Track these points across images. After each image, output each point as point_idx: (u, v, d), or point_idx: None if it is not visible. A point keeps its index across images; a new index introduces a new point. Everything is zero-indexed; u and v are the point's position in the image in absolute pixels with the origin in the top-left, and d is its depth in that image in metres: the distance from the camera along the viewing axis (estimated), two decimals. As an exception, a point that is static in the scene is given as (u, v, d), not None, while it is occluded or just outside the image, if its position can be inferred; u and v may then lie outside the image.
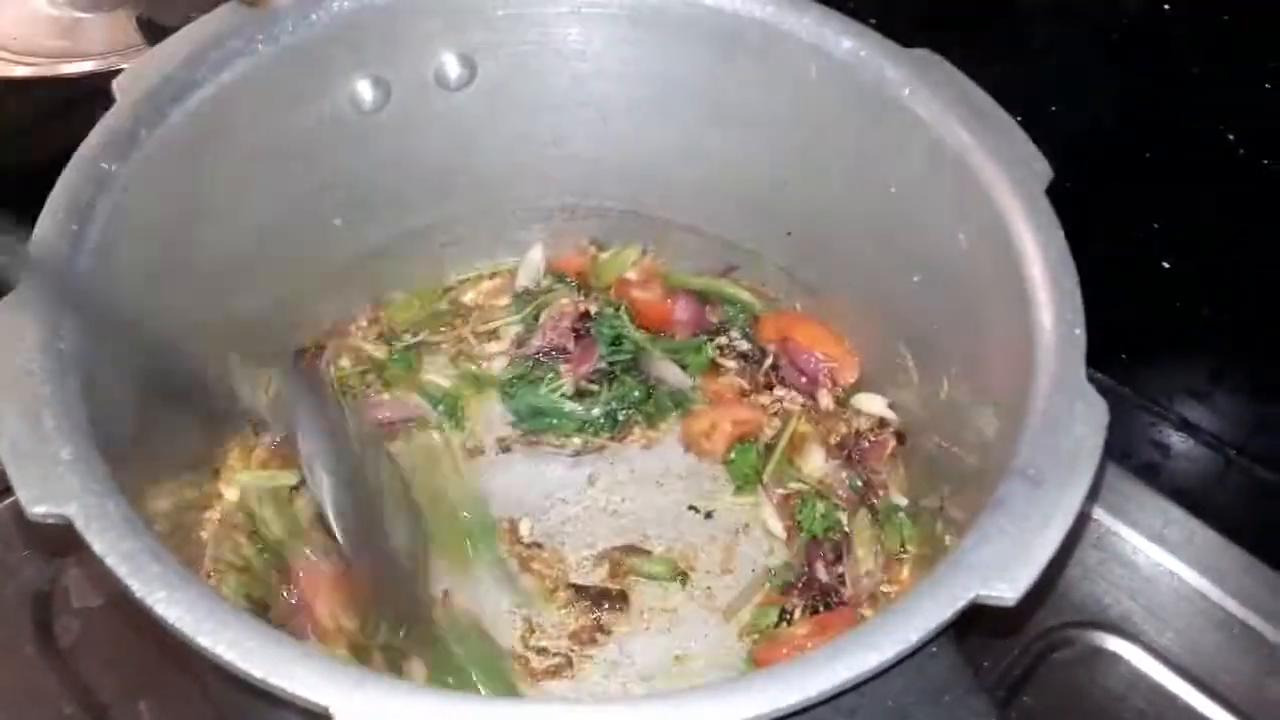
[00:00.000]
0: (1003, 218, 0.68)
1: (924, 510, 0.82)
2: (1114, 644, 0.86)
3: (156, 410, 0.70)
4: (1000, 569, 0.54)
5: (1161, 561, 0.89)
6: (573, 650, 0.80)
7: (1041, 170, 0.69)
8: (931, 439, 0.81)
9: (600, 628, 0.81)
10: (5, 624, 0.83)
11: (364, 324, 0.94)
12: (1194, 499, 0.91)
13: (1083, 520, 0.72)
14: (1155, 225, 1.02)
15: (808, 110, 0.80)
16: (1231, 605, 0.87)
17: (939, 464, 0.78)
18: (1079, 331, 0.62)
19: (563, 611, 0.82)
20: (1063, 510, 0.56)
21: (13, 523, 0.85)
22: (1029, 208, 0.68)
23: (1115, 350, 0.62)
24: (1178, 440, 0.97)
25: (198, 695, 0.77)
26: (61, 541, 0.83)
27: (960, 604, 0.53)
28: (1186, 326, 1.00)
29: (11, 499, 0.57)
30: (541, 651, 0.79)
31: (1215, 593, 0.88)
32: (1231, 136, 1.01)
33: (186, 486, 0.79)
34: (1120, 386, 0.92)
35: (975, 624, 0.56)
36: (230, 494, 0.83)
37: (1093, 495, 0.58)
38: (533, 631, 0.81)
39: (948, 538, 0.74)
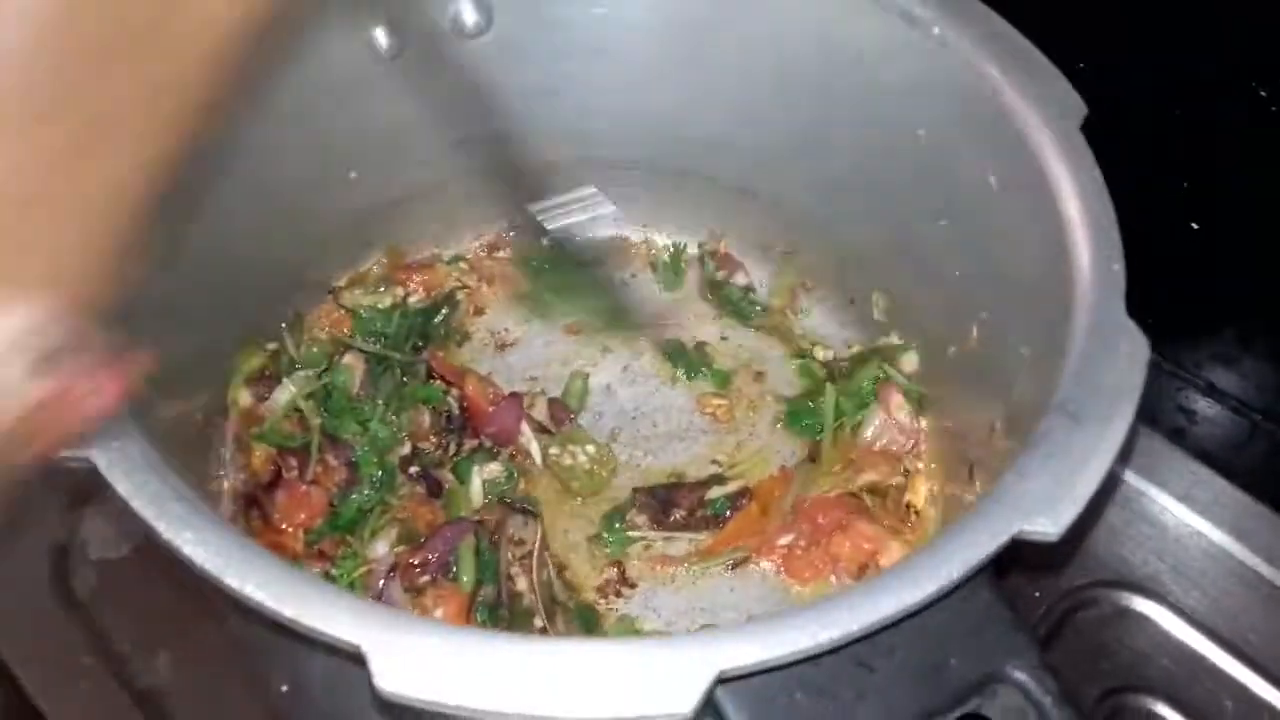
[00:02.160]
0: (1036, 155, 0.67)
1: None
2: (1140, 604, 0.85)
3: (172, 352, 0.69)
4: (1042, 504, 0.53)
5: (1189, 521, 0.88)
6: (598, 603, 0.79)
7: (1075, 106, 0.68)
8: (962, 385, 0.79)
9: (625, 580, 0.80)
10: (23, 575, 0.83)
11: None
12: (1219, 464, 0.90)
13: (1117, 470, 0.71)
14: (1184, 184, 1.01)
15: (832, 51, 0.79)
16: (1260, 565, 0.86)
17: (970, 411, 0.77)
18: (1117, 267, 0.61)
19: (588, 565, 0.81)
20: (1105, 445, 0.55)
21: (31, 476, 0.84)
22: (1063, 144, 0.66)
23: (1141, 314, 0.61)
24: (1204, 405, 0.96)
25: (217, 645, 0.77)
26: (81, 489, 0.84)
27: (1002, 539, 0.52)
28: (1214, 290, 0.99)
29: (30, 445, 0.56)
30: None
31: (1243, 552, 0.87)
32: (1264, 93, 1.00)
33: (204, 426, 0.79)
34: (1147, 351, 0.92)
35: (1014, 564, 0.55)
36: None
37: (1127, 450, 0.57)
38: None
39: (979, 484, 0.73)
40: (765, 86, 0.84)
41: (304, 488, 0.79)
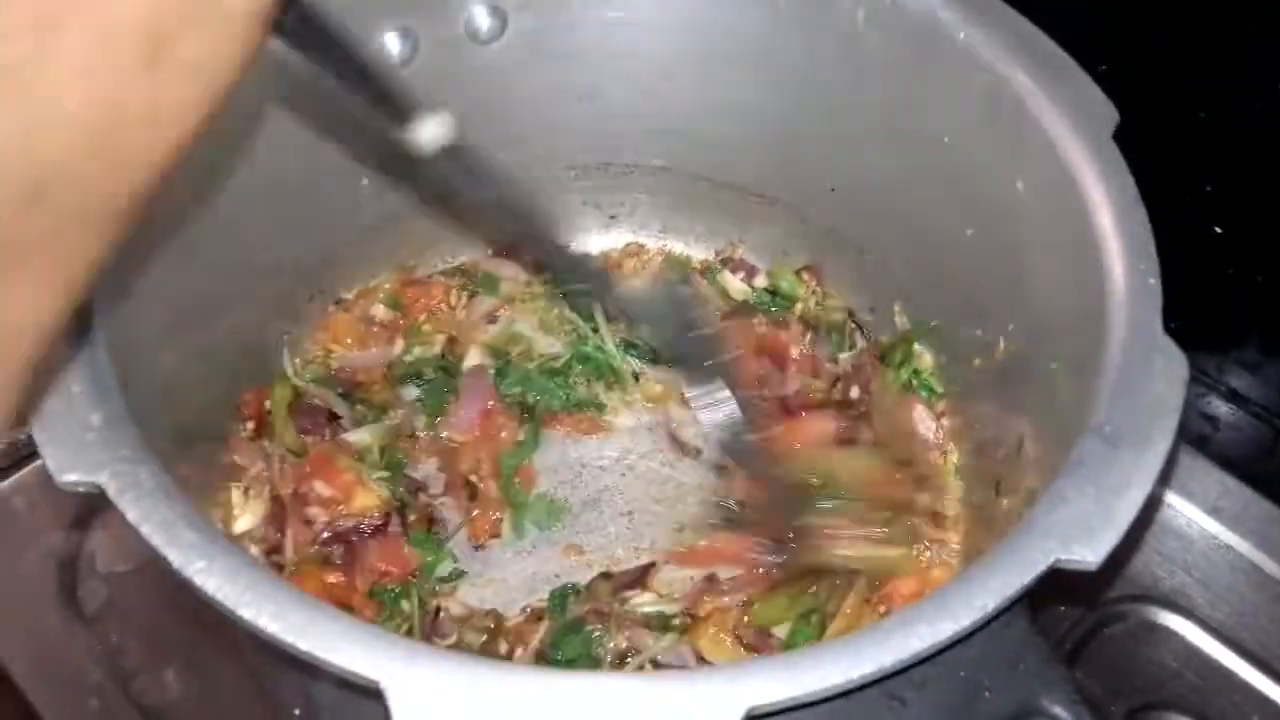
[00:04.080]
0: (1066, 164, 0.65)
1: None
2: (1167, 618, 0.84)
3: (187, 371, 0.68)
4: (1081, 532, 0.51)
5: (1217, 534, 0.87)
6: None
7: (1106, 113, 0.66)
8: (988, 399, 0.78)
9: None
10: (31, 590, 0.81)
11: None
12: (1244, 472, 0.89)
13: (1161, 483, 0.69)
14: (1207, 189, 0.99)
15: (854, 57, 0.77)
16: (1289, 580, 0.85)
17: (996, 425, 0.76)
18: (1154, 281, 0.60)
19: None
20: (1144, 469, 0.53)
21: (38, 488, 0.83)
22: (1095, 152, 0.65)
23: (1163, 319, 0.59)
24: (1227, 412, 0.95)
25: (226, 662, 0.76)
26: (85, 510, 0.83)
27: (1040, 569, 0.50)
28: (1237, 295, 0.97)
29: (36, 463, 0.55)
30: None
31: (1271, 565, 0.86)
32: (1289, 97, 0.98)
33: (216, 450, 0.77)
34: (1169, 357, 0.90)
35: (1049, 593, 0.54)
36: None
37: (1166, 470, 0.55)
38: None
39: (1005, 501, 0.71)
40: (786, 92, 0.82)
41: (404, 546, 0.78)
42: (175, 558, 0.51)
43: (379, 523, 0.77)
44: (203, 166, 0.71)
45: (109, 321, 0.60)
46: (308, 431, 0.81)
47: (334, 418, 0.83)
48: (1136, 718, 0.80)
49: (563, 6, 0.82)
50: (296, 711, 0.65)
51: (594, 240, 0.97)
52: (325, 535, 0.77)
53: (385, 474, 0.80)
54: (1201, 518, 0.88)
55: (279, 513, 0.77)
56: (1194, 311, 0.91)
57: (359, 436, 0.82)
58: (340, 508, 0.77)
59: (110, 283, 0.61)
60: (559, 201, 0.94)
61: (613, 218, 0.96)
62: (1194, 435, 0.93)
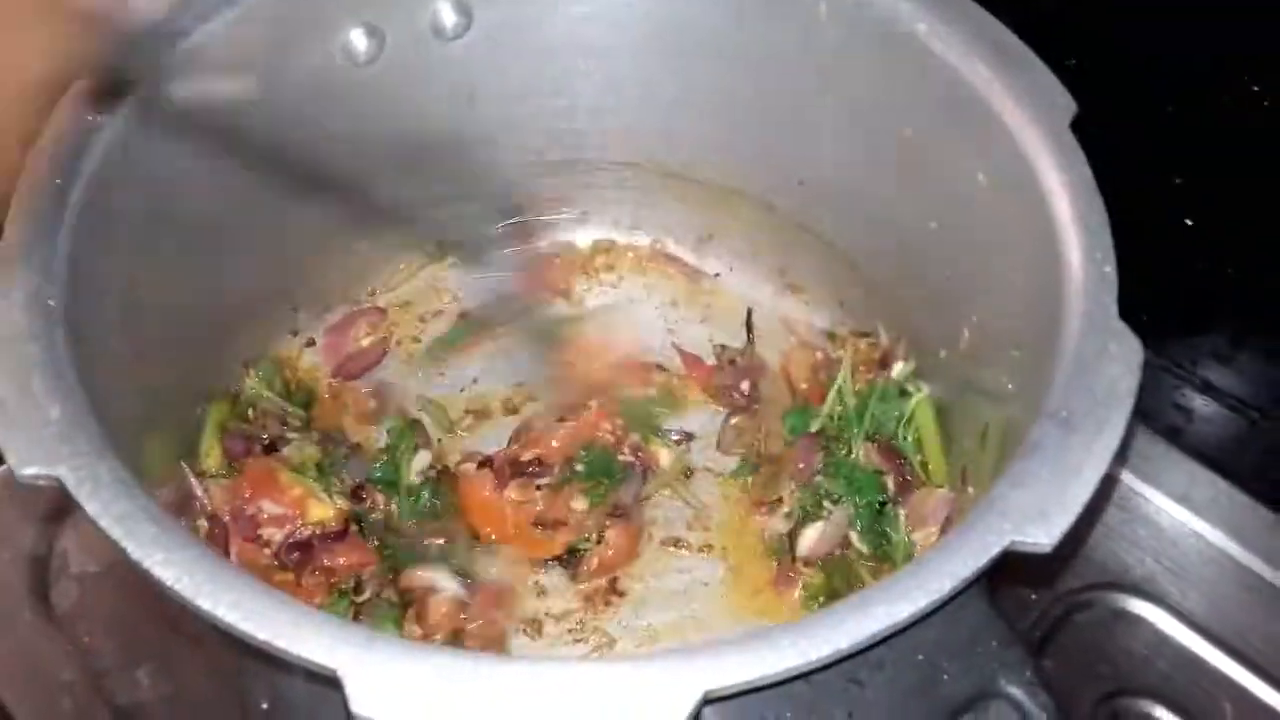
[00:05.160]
0: (1025, 155, 0.66)
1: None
2: (1137, 606, 0.84)
3: (150, 367, 0.68)
4: (1035, 514, 0.52)
5: (1186, 522, 0.87)
6: (585, 615, 0.78)
7: (1065, 104, 0.67)
8: (954, 391, 0.78)
9: (614, 590, 0.79)
10: (2, 590, 0.81)
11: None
12: (1218, 462, 0.89)
13: (1114, 471, 0.70)
14: (1177, 181, 1.00)
15: (818, 50, 0.78)
16: (1259, 566, 0.86)
17: (962, 414, 0.76)
18: (1109, 269, 0.60)
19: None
20: (1098, 453, 0.54)
21: (8, 489, 0.83)
22: (1053, 143, 0.65)
23: (1136, 311, 0.60)
24: (1200, 403, 0.95)
25: (197, 661, 0.76)
26: (56, 510, 0.83)
27: (994, 551, 0.50)
28: (1209, 287, 0.98)
29: (5, 465, 0.55)
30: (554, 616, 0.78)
31: (1242, 554, 0.86)
32: (1256, 88, 0.99)
33: (179, 443, 0.77)
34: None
35: (1006, 576, 0.54)
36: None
37: (1122, 453, 0.56)
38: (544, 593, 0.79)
39: (972, 490, 0.72)
40: (751, 86, 0.83)
41: (365, 542, 0.78)
42: (134, 550, 0.51)
43: (339, 529, 0.76)
44: (163, 166, 0.71)
45: (69, 316, 0.60)
46: (236, 456, 0.79)
47: (270, 449, 0.80)
48: (1107, 705, 0.81)
49: (529, 3, 0.82)
50: (264, 706, 0.66)
51: (565, 237, 0.97)
52: (285, 546, 0.75)
53: (336, 485, 0.79)
54: (1171, 505, 0.88)
55: (219, 532, 0.74)
56: (1167, 304, 0.92)
57: (295, 451, 0.80)
58: (296, 521, 0.75)
59: (73, 275, 0.62)
60: (528, 198, 0.94)
61: (584, 214, 0.96)
62: (1167, 426, 0.94)
